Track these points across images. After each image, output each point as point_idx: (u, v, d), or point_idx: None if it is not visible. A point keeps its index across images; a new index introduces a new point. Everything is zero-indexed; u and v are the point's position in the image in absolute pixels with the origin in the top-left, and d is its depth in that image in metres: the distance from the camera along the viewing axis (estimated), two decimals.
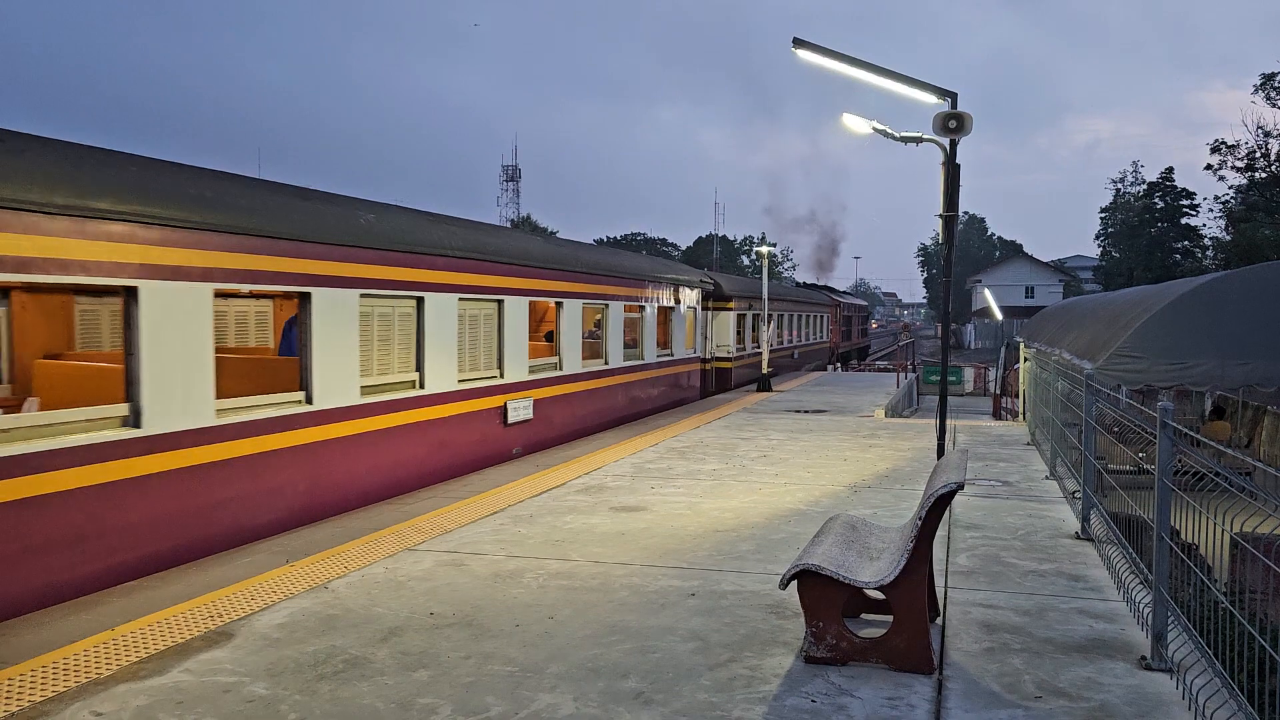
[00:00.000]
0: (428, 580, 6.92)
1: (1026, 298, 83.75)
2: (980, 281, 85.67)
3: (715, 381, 23.82)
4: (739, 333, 25.28)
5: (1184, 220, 63.49)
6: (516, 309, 13.31)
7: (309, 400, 9.17)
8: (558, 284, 14.74)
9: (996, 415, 27.49)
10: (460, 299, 11.80)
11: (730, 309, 24.35)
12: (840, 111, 12.92)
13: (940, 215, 11.32)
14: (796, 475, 11.46)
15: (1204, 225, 61.43)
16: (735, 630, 5.89)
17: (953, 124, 10.73)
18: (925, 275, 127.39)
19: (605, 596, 6.56)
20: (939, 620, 6.05)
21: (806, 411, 19.30)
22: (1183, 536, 5.28)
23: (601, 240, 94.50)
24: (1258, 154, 47.60)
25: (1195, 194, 63.36)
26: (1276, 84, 46.60)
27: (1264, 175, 47.64)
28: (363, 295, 9.90)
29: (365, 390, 9.99)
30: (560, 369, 14.82)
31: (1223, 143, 48.78)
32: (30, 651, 5.48)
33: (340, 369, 9.55)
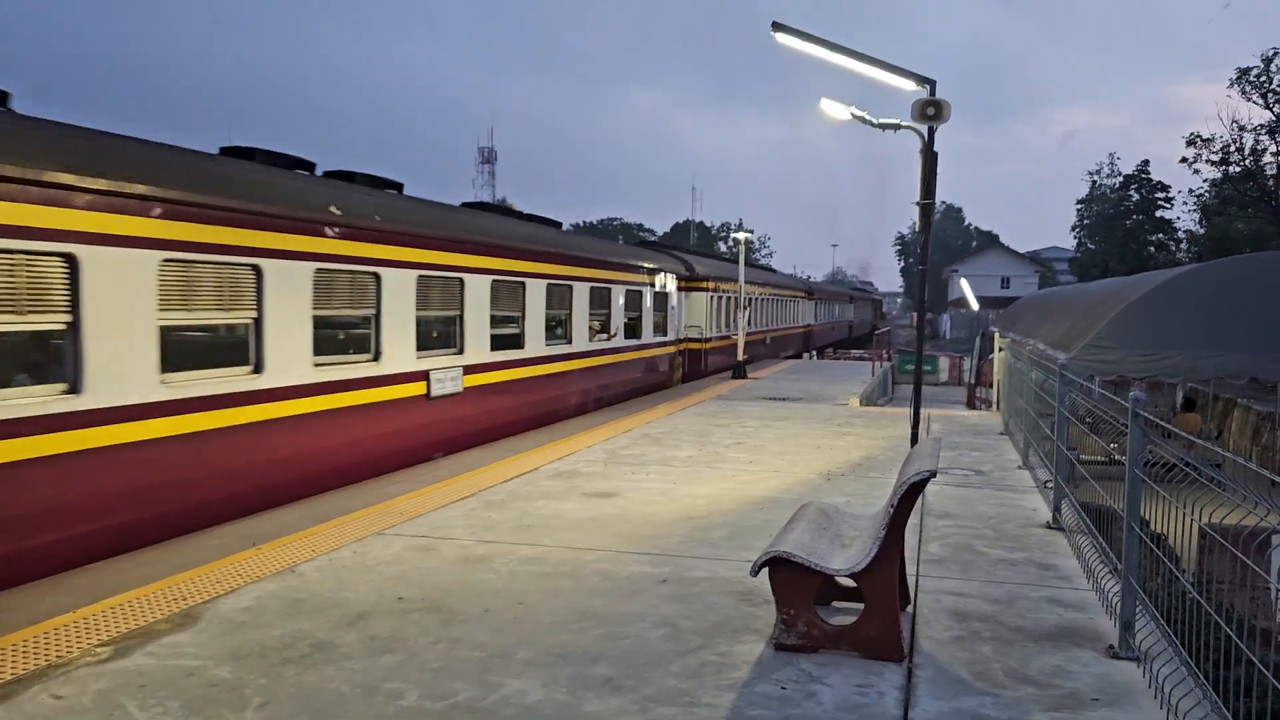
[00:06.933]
0: (396, 564, 6.85)
1: (1003, 288, 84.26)
2: (957, 271, 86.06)
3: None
4: (857, 312, 45.63)
5: (1159, 213, 63.91)
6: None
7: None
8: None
9: (971, 405, 27.67)
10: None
11: (866, 303, 47.72)
12: (815, 98, 12.91)
13: (917, 203, 11.32)
14: (770, 463, 11.46)
15: (1178, 218, 61.92)
16: (706, 617, 5.86)
17: (931, 111, 10.72)
18: (902, 264, 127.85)
19: (576, 583, 6.52)
20: (910, 608, 6.05)
21: (781, 399, 19.31)
22: (1152, 527, 5.30)
23: (578, 226, 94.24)
24: (1232, 148, 47.96)
25: (1170, 187, 63.83)
26: (1251, 78, 46.93)
27: (1238, 169, 48.00)
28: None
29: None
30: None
31: (1198, 136, 49.09)
32: None
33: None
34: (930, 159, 11.11)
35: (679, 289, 23.24)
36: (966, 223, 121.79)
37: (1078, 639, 5.58)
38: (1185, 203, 56.52)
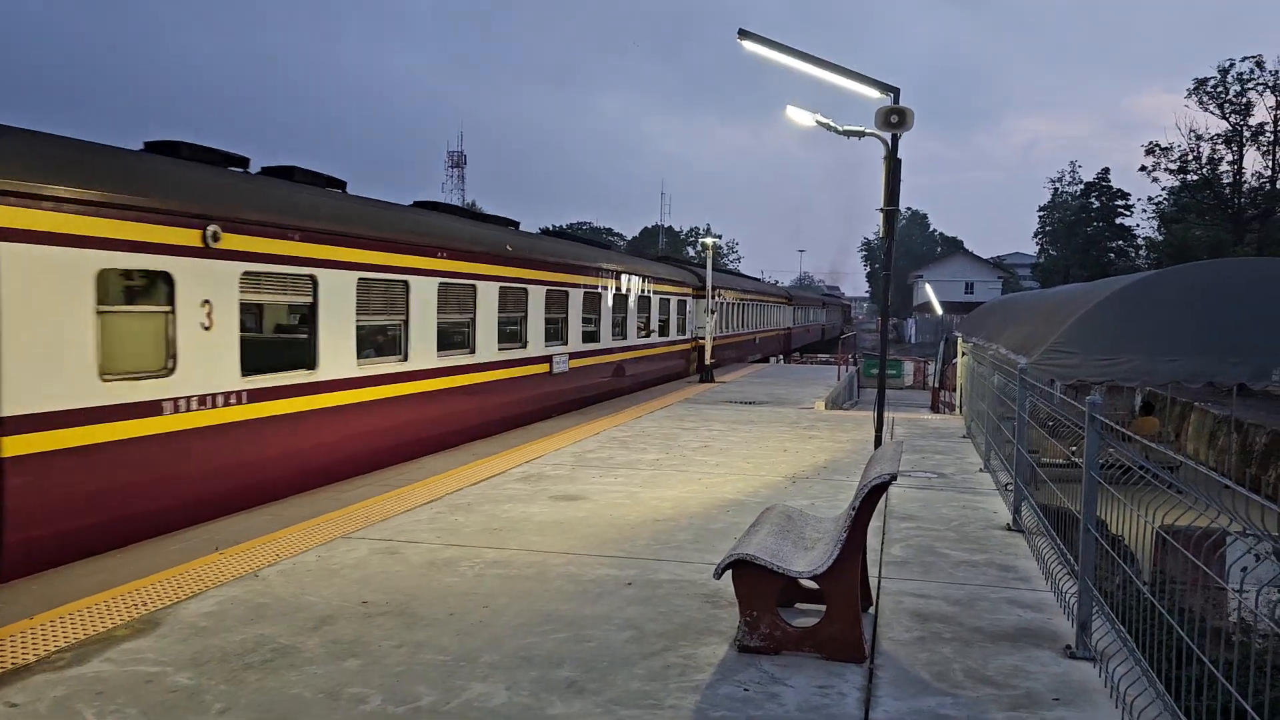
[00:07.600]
0: (361, 569, 6.82)
1: (966, 293, 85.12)
2: (922, 277, 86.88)
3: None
4: (829, 316, 49.20)
5: (1119, 220, 64.81)
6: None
7: None
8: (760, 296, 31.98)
9: (934, 408, 27.91)
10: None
11: (837, 308, 52.98)
12: (778, 106, 13.03)
13: (881, 209, 11.43)
14: (736, 466, 11.51)
15: (1138, 225, 62.83)
16: (671, 619, 5.89)
17: (894, 119, 10.83)
18: (869, 270, 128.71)
19: (542, 585, 6.52)
20: (872, 610, 6.11)
21: (748, 403, 19.40)
22: (1110, 529, 5.39)
23: (546, 230, 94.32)
24: (1190, 157, 48.81)
25: (1130, 194, 64.74)
26: (1209, 89, 47.77)
27: (1196, 178, 48.84)
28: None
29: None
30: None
31: (1156, 145, 49.91)
32: None
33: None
34: (894, 166, 11.22)
35: (692, 296, 27.98)
36: (931, 229, 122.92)
37: (1036, 639, 5.67)
38: (1144, 210, 57.62)
